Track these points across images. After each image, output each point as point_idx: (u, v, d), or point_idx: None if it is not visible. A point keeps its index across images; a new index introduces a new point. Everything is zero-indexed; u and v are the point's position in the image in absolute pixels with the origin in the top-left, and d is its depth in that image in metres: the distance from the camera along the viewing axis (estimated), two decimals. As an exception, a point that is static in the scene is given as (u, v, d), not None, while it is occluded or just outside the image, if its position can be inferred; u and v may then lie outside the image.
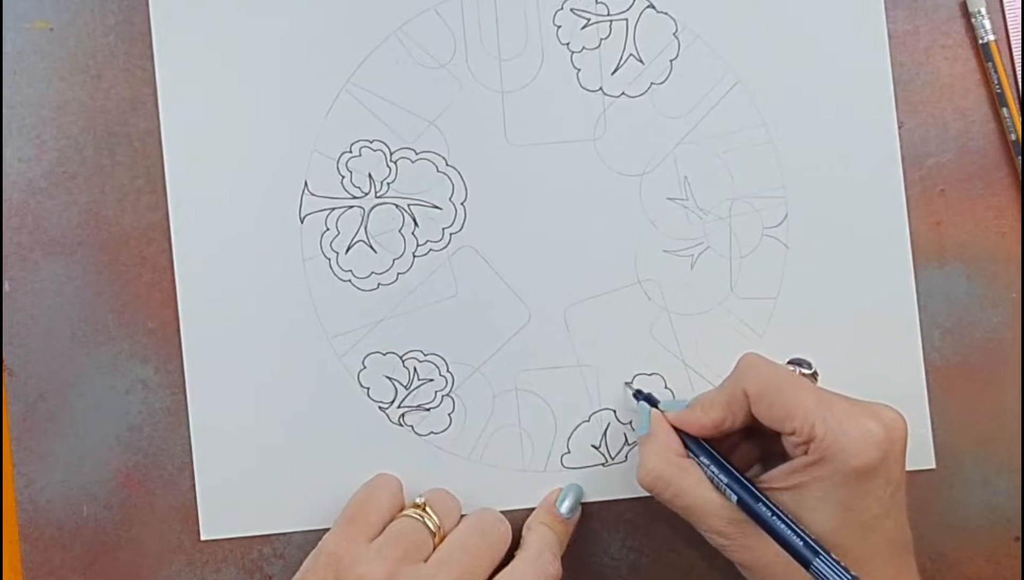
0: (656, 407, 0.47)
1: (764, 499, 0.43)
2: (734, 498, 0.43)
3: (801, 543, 0.41)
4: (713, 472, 0.44)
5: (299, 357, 0.49)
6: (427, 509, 0.45)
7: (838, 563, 0.40)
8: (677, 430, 0.46)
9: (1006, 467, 0.50)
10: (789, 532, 0.42)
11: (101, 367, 0.49)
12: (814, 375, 0.47)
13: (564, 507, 0.48)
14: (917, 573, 0.43)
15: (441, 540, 0.45)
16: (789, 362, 0.47)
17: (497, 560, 0.45)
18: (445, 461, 0.49)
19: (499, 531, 0.46)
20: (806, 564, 0.41)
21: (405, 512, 0.46)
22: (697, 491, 0.44)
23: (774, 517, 0.42)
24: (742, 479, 0.44)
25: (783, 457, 0.44)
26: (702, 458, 0.45)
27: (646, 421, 0.46)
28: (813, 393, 0.43)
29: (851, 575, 0.40)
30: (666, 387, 0.49)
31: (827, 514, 0.42)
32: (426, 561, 0.44)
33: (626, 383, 0.49)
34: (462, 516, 0.47)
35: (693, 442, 0.46)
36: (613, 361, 0.49)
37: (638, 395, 0.48)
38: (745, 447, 0.47)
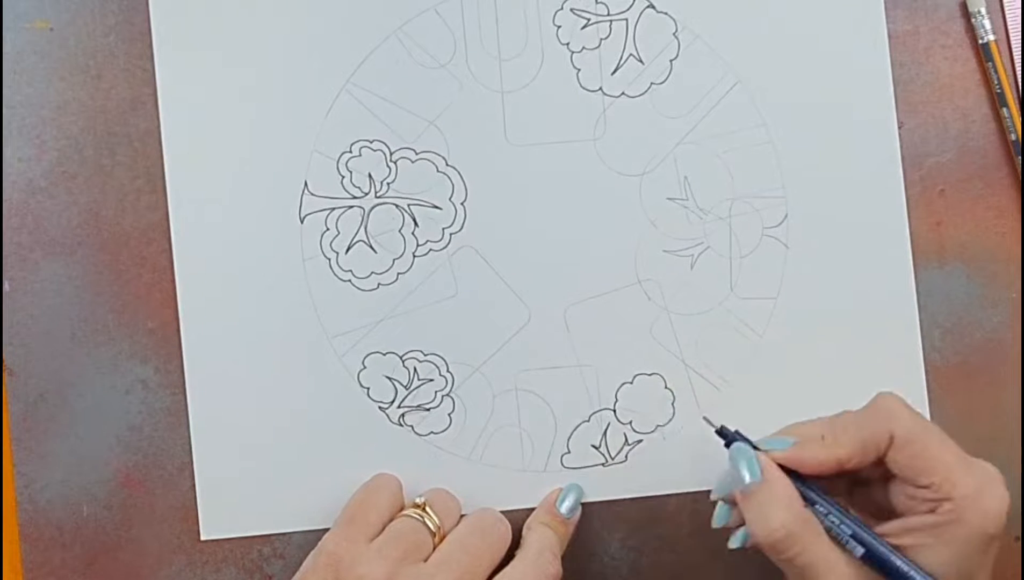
0: (755, 448, 0.42)
1: (898, 552, 0.39)
2: (860, 551, 0.40)
3: None
4: (834, 522, 0.40)
5: (299, 357, 0.49)
6: (427, 509, 0.45)
7: None
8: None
9: (1006, 467, 0.49)
10: None
11: (101, 367, 0.49)
12: None
13: (564, 507, 0.48)
14: None
15: (441, 540, 0.45)
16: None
17: (497, 560, 0.45)
18: (445, 461, 0.49)
19: (499, 531, 0.46)
20: None
21: (405, 512, 0.46)
22: (819, 547, 0.40)
23: (912, 572, 0.39)
24: (867, 529, 0.40)
25: (874, 506, 0.42)
26: (818, 506, 0.41)
27: (754, 468, 0.41)
28: (954, 448, 0.41)
29: None
30: (666, 387, 0.49)
31: (947, 577, 0.39)
32: (426, 561, 0.44)
33: (704, 418, 0.45)
34: (462, 516, 0.47)
35: (802, 484, 0.41)
36: (613, 361, 0.49)
37: (725, 434, 0.43)
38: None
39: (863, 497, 0.44)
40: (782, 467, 0.42)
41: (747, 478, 0.41)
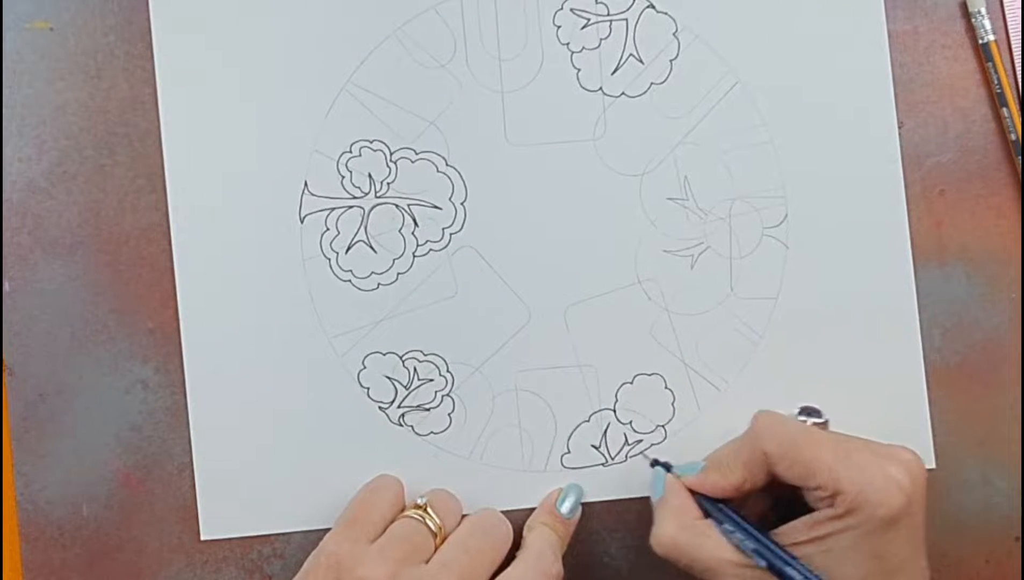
0: (670, 471, 0.47)
1: (793, 563, 0.42)
2: (762, 563, 0.43)
3: None
4: (739, 539, 0.44)
5: (299, 357, 0.49)
6: (428, 510, 0.45)
7: None
8: (695, 493, 0.46)
9: (1006, 467, 0.50)
10: None
11: (101, 367, 0.49)
12: (825, 423, 0.47)
13: (564, 507, 0.48)
14: None
15: (442, 541, 0.45)
16: (799, 413, 0.47)
17: (498, 561, 0.45)
18: (445, 461, 0.49)
19: (500, 532, 0.46)
20: None
21: (406, 513, 0.46)
22: (716, 554, 0.44)
23: (801, 569, 0.42)
24: (768, 543, 0.43)
25: (798, 503, 0.44)
26: (725, 525, 0.44)
27: (660, 486, 0.46)
28: (831, 445, 0.43)
29: None
30: (666, 387, 0.49)
31: (856, 564, 0.42)
32: (427, 562, 0.44)
33: (643, 454, 0.49)
34: (464, 516, 0.47)
35: (712, 505, 0.45)
36: (613, 361, 0.49)
37: (654, 463, 0.47)
38: (757, 497, 0.47)
39: (784, 498, 0.46)
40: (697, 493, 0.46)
41: (654, 496, 0.46)
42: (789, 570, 0.42)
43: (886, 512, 0.41)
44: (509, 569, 0.45)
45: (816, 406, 0.48)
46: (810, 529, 0.43)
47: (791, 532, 0.43)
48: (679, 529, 0.45)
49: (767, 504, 0.47)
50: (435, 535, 0.45)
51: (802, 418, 0.47)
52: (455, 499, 0.48)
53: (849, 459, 0.42)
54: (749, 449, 0.45)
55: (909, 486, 0.42)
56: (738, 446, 0.46)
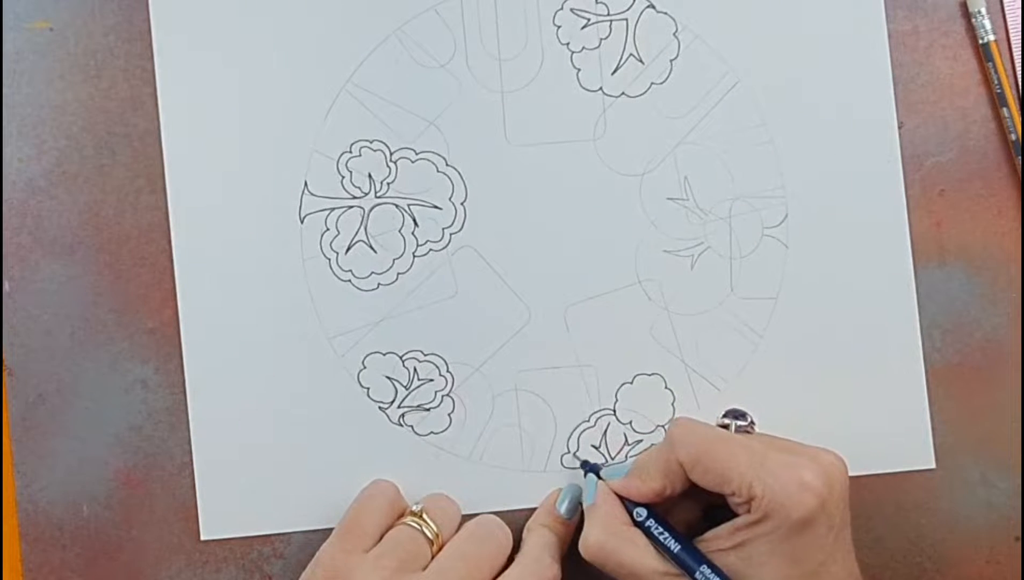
0: (599, 473, 0.47)
1: (707, 561, 0.43)
2: (674, 562, 0.44)
3: None
4: (661, 541, 0.44)
5: (299, 357, 0.49)
6: (424, 517, 0.45)
7: None
8: (624, 499, 0.46)
9: (1006, 467, 0.50)
10: None
11: (101, 367, 0.49)
12: (751, 425, 0.47)
13: (564, 508, 0.48)
14: None
15: (440, 548, 0.45)
16: (725, 414, 0.48)
17: (497, 567, 0.45)
18: (445, 461, 0.49)
19: (498, 538, 0.46)
20: None
21: (402, 520, 0.45)
22: (641, 560, 0.44)
23: (714, 576, 0.43)
24: (684, 543, 0.44)
25: (727, 508, 0.44)
26: (647, 523, 0.45)
27: (592, 492, 0.46)
28: (746, 452, 0.43)
29: None
30: (666, 387, 0.49)
31: (774, 568, 0.42)
32: (424, 570, 0.44)
33: (574, 454, 0.49)
34: (462, 519, 0.47)
35: (635, 508, 0.46)
36: (613, 361, 0.49)
37: (584, 466, 0.48)
38: (687, 504, 0.47)
39: (714, 503, 0.46)
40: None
41: (586, 502, 0.47)
42: (699, 574, 0.43)
43: (799, 515, 0.41)
44: (507, 573, 0.45)
45: (742, 409, 0.48)
46: (731, 535, 0.43)
47: (714, 539, 0.44)
48: (606, 535, 0.45)
49: (697, 510, 0.47)
50: (432, 542, 0.45)
51: (726, 421, 0.47)
52: (453, 504, 0.48)
53: (763, 465, 0.42)
54: (665, 457, 0.45)
55: (823, 488, 0.42)
56: (656, 453, 0.46)
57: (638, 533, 0.45)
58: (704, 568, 0.43)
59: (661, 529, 0.45)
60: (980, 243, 0.50)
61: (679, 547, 0.44)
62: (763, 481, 0.42)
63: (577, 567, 0.48)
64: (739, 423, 0.47)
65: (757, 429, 0.47)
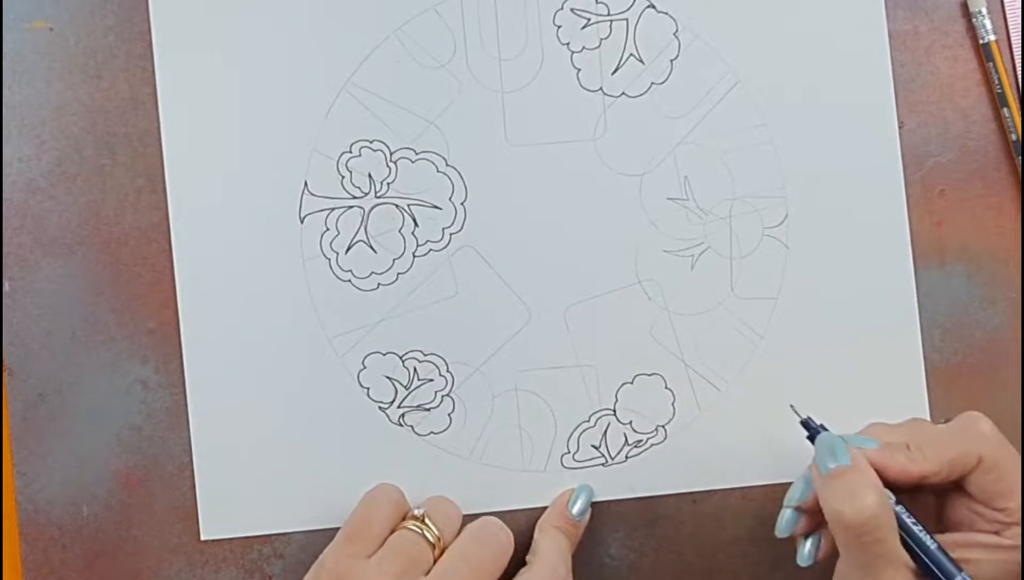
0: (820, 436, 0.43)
1: (961, 568, 0.40)
2: (928, 562, 0.40)
3: None
4: (911, 529, 0.41)
5: (299, 357, 0.49)
6: (426, 520, 0.45)
7: None
8: None
9: (1006, 467, 0.50)
10: None
11: (101, 367, 0.49)
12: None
13: (576, 509, 0.47)
14: None
15: (442, 551, 0.45)
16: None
17: (500, 569, 0.45)
18: (445, 461, 0.49)
19: (500, 539, 0.46)
20: None
21: (404, 525, 0.45)
22: (894, 541, 0.39)
23: None
24: (938, 543, 0.40)
25: (922, 510, 0.42)
26: (898, 509, 0.41)
27: (843, 453, 0.41)
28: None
29: None
30: (666, 387, 0.49)
31: None
32: (427, 574, 0.44)
33: (791, 407, 0.45)
34: (464, 522, 0.47)
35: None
36: (613, 361, 0.49)
37: (810, 425, 0.44)
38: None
39: (913, 499, 0.43)
40: None
41: (832, 464, 0.41)
42: (955, 572, 0.39)
43: None
44: (517, 577, 0.45)
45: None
46: (966, 549, 0.40)
47: (965, 546, 0.41)
48: (882, 504, 0.39)
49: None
50: (434, 546, 0.45)
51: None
52: (454, 507, 0.48)
53: None
54: (961, 447, 0.42)
55: None
56: (943, 436, 0.42)
57: (894, 512, 0.40)
58: (965, 576, 0.39)
59: (915, 520, 0.40)
60: (980, 243, 0.50)
61: (935, 545, 0.40)
62: None
63: (577, 567, 0.48)
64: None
65: None
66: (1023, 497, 0.41)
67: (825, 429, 0.43)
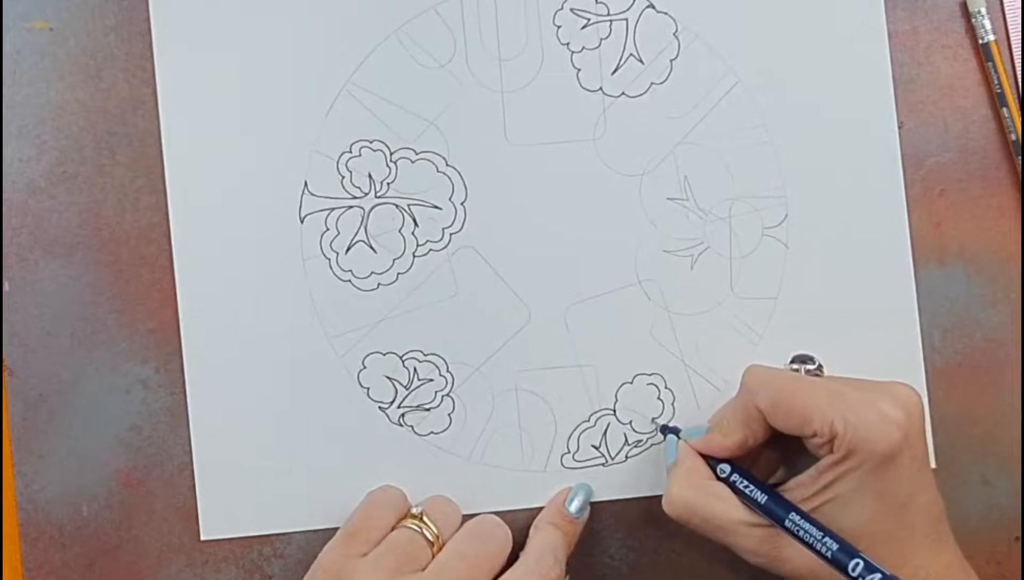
0: (678, 436, 0.47)
1: (795, 508, 0.43)
2: (761, 512, 0.43)
3: (836, 547, 0.41)
4: (744, 491, 0.44)
5: (299, 357, 0.49)
6: (424, 519, 0.45)
7: (874, 563, 0.40)
8: (705, 456, 0.46)
9: (1006, 467, 0.50)
10: (822, 537, 0.41)
11: (101, 367, 0.49)
12: (819, 369, 0.47)
13: (573, 507, 0.48)
14: (954, 539, 0.44)
15: (440, 550, 0.45)
16: (792, 361, 0.48)
17: (497, 567, 0.45)
18: (445, 461, 0.49)
19: (498, 537, 0.46)
20: (843, 568, 0.41)
21: (402, 523, 0.45)
22: (726, 513, 0.44)
23: (804, 522, 0.42)
24: (770, 494, 0.43)
25: (807, 456, 0.44)
26: (731, 477, 0.45)
27: (673, 451, 0.47)
28: (824, 391, 0.43)
29: (889, 575, 0.40)
30: (666, 387, 0.49)
31: (862, 504, 0.42)
32: (424, 571, 0.44)
33: (653, 419, 0.49)
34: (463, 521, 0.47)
35: (718, 463, 0.46)
36: (613, 361, 0.49)
37: (664, 430, 0.48)
38: (768, 453, 0.47)
39: (793, 452, 0.46)
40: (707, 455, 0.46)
41: (668, 461, 0.47)
42: (790, 517, 0.42)
43: (884, 448, 0.41)
44: (508, 574, 0.44)
45: (809, 353, 0.48)
46: (815, 480, 0.43)
47: (798, 487, 0.44)
48: (691, 491, 0.45)
49: (776, 459, 0.47)
50: (432, 544, 0.45)
51: (794, 366, 0.48)
52: (453, 505, 0.48)
53: (843, 402, 0.42)
54: (744, 406, 0.45)
55: (904, 420, 0.42)
56: (734, 405, 0.46)
57: (723, 487, 0.45)
58: (793, 515, 0.42)
59: (746, 482, 0.44)
60: (980, 243, 0.50)
61: (766, 498, 0.43)
62: (845, 417, 0.42)
63: (577, 567, 0.48)
64: (808, 367, 0.47)
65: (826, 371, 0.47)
66: None
67: (672, 430, 0.48)
